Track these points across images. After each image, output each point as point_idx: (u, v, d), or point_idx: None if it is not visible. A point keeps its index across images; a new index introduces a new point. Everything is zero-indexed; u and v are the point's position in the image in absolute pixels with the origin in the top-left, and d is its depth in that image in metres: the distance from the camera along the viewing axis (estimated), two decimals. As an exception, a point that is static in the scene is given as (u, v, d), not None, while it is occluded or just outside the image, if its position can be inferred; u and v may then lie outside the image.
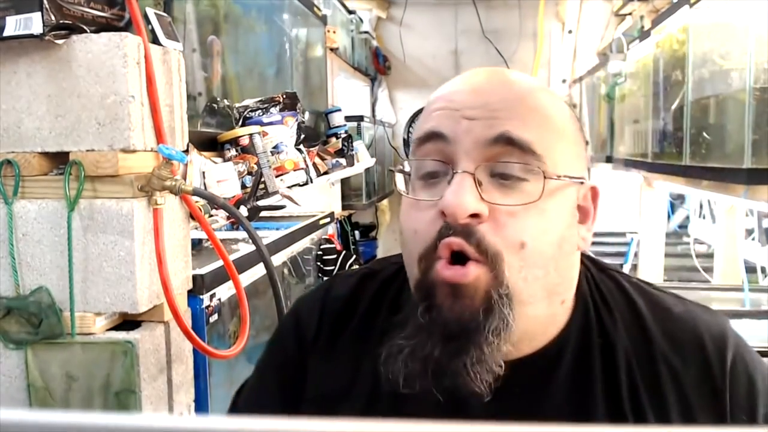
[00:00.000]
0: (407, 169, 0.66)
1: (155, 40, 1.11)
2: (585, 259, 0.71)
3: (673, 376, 0.64)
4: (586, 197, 0.66)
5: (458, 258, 0.59)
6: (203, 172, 1.51)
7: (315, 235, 2.18)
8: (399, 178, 0.66)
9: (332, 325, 0.73)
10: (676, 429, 0.63)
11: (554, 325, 0.65)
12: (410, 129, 4.07)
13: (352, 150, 2.66)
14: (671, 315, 0.67)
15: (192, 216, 1.20)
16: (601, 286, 0.69)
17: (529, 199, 0.59)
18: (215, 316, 1.28)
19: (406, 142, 4.11)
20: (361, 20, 4.19)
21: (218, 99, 1.79)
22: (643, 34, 2.91)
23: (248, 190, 1.65)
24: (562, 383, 0.64)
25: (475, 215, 0.59)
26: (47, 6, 0.96)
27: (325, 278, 2.21)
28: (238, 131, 1.71)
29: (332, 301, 0.75)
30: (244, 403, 0.79)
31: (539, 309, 0.62)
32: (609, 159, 3.67)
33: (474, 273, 0.59)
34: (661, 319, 0.66)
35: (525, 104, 0.61)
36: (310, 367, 0.73)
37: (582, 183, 0.64)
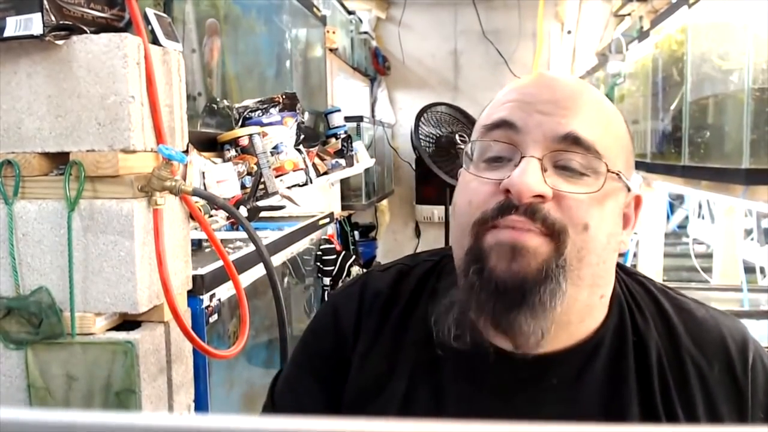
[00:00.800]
0: (470, 150, 0.69)
1: (155, 41, 1.11)
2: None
3: (699, 374, 0.68)
4: (630, 205, 0.70)
5: None
6: (203, 173, 1.51)
7: (314, 236, 2.18)
8: (465, 157, 0.69)
9: (373, 320, 0.75)
10: (686, 428, 0.65)
11: (591, 317, 0.69)
12: (418, 130, 4.02)
13: (352, 150, 2.66)
14: (695, 318, 0.71)
15: (192, 216, 1.20)
16: (632, 289, 0.73)
17: (591, 190, 0.63)
18: (215, 317, 1.28)
19: (414, 147, 4.07)
20: (361, 21, 4.20)
21: (218, 99, 1.79)
22: (642, 35, 2.91)
23: (248, 190, 1.65)
24: (598, 376, 0.68)
25: (539, 196, 0.62)
26: (47, 7, 0.96)
27: (325, 278, 2.21)
28: (238, 132, 1.71)
29: (371, 296, 0.76)
30: (281, 399, 0.80)
31: (582, 295, 0.65)
32: (608, 159, 3.66)
33: (536, 240, 0.61)
34: (686, 321, 0.71)
35: (592, 107, 0.66)
36: (354, 363, 0.74)
37: (629, 190, 0.68)
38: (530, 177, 0.61)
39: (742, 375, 0.68)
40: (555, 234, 0.62)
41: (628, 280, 0.74)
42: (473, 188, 0.66)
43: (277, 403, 0.80)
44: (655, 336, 0.69)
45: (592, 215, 0.63)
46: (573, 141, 0.63)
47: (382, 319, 0.74)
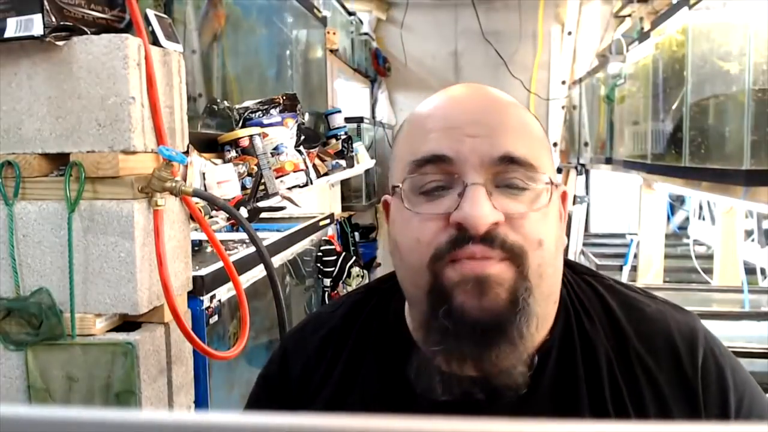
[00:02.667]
0: (399, 184, 0.65)
1: (155, 42, 1.11)
2: None
3: (648, 376, 0.66)
4: (559, 200, 0.69)
5: None
6: (203, 174, 1.51)
7: (315, 237, 2.18)
8: (395, 198, 0.67)
9: (321, 367, 0.74)
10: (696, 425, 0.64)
11: (544, 326, 0.68)
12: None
13: (352, 151, 2.66)
14: (644, 315, 0.70)
15: (192, 217, 1.20)
16: (578, 290, 0.72)
17: (539, 205, 0.63)
18: (215, 318, 1.28)
19: None
20: (361, 22, 4.20)
21: (218, 100, 1.79)
22: (643, 36, 2.91)
23: (248, 191, 1.65)
24: (548, 386, 0.66)
25: (493, 223, 0.60)
26: (48, 7, 0.96)
27: (326, 279, 2.21)
28: (239, 132, 1.71)
29: (318, 340, 0.76)
30: None
31: (542, 307, 0.64)
32: (609, 160, 3.67)
33: (498, 267, 0.60)
34: (635, 320, 0.69)
35: (513, 118, 0.66)
36: (303, 408, 0.74)
37: (557, 187, 0.67)
38: (482, 207, 0.59)
39: (691, 373, 0.66)
40: (515, 257, 0.60)
41: (576, 281, 0.73)
42: (417, 225, 0.63)
43: None
44: (603, 339, 0.68)
45: (543, 229, 0.62)
46: (510, 160, 0.62)
47: (330, 364, 0.73)
